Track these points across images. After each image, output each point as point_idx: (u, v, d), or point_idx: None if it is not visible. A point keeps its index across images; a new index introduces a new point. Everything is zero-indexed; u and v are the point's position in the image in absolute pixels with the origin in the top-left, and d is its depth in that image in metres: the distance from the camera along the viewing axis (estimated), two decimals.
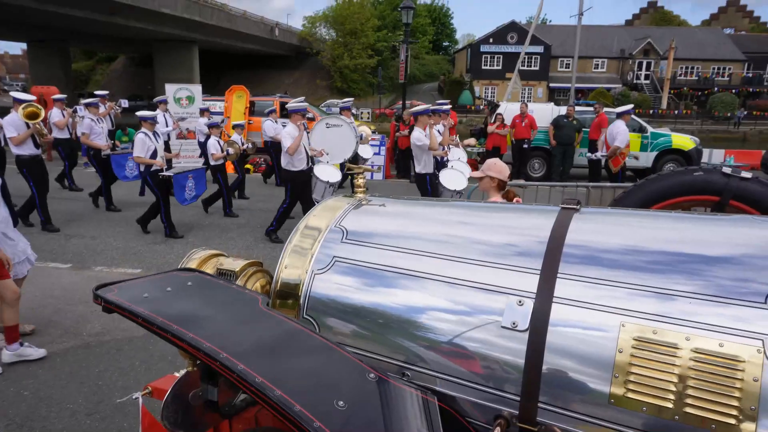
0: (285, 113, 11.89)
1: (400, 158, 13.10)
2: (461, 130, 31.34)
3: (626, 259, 1.44)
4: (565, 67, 45.14)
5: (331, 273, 1.73)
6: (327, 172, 7.31)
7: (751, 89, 45.19)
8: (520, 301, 1.42)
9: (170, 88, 14.50)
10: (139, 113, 7.46)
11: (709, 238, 1.47)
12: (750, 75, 46.05)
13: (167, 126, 10.64)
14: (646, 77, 46.44)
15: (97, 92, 12.34)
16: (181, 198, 7.71)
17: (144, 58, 48.61)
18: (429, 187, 7.10)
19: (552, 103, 15.81)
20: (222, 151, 8.66)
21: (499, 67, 46.27)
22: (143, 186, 7.71)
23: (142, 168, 7.29)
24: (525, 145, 12.86)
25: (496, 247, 1.62)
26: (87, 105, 9.21)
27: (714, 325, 1.23)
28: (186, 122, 12.72)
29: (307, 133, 7.31)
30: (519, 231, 1.69)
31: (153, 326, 1.39)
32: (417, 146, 7.11)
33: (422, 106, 7.92)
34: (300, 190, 7.12)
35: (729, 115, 38.89)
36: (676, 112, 40.25)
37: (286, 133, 6.96)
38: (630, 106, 9.84)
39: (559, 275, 1.42)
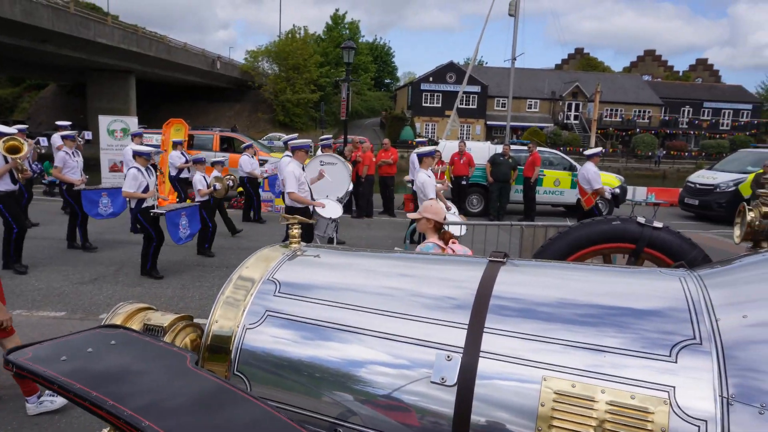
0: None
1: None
2: (403, 165, 31.88)
3: (548, 312, 1.51)
4: (501, 106, 47.19)
5: (264, 327, 1.71)
6: (329, 208, 7.25)
7: (668, 131, 48.87)
8: (448, 356, 1.46)
9: (104, 120, 14.04)
10: (133, 147, 7.32)
11: (621, 292, 1.58)
12: (667, 118, 49.84)
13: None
14: (576, 117, 49.26)
15: (59, 123, 11.52)
16: (176, 237, 7.34)
17: (76, 87, 46.85)
18: None
19: (489, 142, 16.45)
20: (208, 187, 8.36)
21: (439, 105, 47.81)
22: (134, 223, 7.28)
23: (132, 204, 6.99)
24: (463, 182, 13.27)
25: (427, 300, 1.66)
26: (64, 138, 8.63)
27: (626, 378, 1.30)
28: (114, 154, 12.39)
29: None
30: (449, 284, 1.74)
31: (70, 393, 1.32)
32: (423, 188, 7.07)
33: (427, 148, 8.13)
34: (306, 226, 6.95)
35: (650, 154, 41.75)
36: (603, 150, 42.68)
37: (290, 172, 6.75)
38: (599, 149, 10.45)
39: (485, 329, 1.47)
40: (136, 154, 7.15)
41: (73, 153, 8.37)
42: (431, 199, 7.19)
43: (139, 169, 6.98)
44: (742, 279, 1.56)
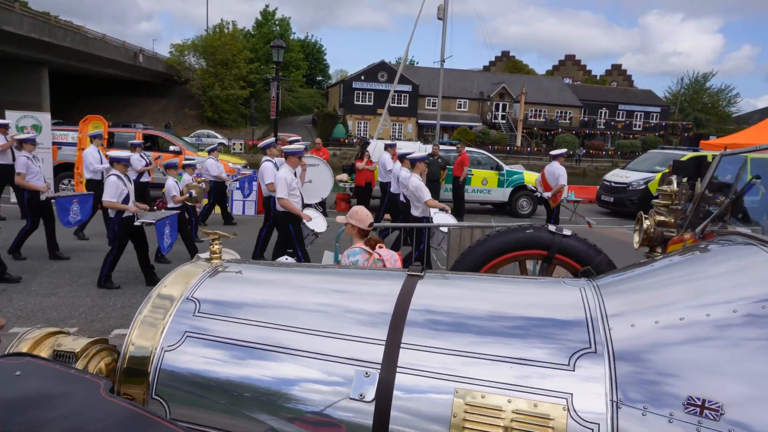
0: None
1: None
2: (335, 164, 31.76)
3: (460, 325, 1.59)
4: (432, 105, 48.09)
5: (183, 348, 1.69)
6: (315, 222, 6.98)
7: (587, 131, 51.64)
8: (366, 373, 1.50)
9: (12, 115, 13.05)
10: (111, 153, 6.85)
11: (527, 303, 1.69)
12: (586, 119, 52.67)
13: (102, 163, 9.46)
14: (503, 117, 51.04)
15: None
16: (164, 246, 7.04)
17: None
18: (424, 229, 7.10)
19: (419, 142, 16.73)
20: (182, 194, 7.92)
21: (371, 103, 48.05)
22: (112, 233, 6.82)
23: (112, 214, 6.60)
24: None
25: (347, 316, 1.70)
26: (23, 141, 7.97)
27: (530, 387, 1.40)
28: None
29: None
30: (368, 299, 1.79)
31: None
32: (417, 192, 7.22)
33: (418, 153, 8.35)
34: (300, 231, 6.76)
35: (571, 153, 43.91)
36: (528, 149, 44.64)
37: (281, 177, 6.58)
38: (563, 150, 11.03)
39: (402, 345, 1.53)
40: (114, 161, 6.72)
41: (33, 157, 7.83)
42: (428, 202, 7.35)
43: (119, 176, 6.56)
44: (632, 288, 1.71)
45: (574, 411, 1.34)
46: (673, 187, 2.51)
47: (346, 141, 41.53)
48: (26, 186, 7.63)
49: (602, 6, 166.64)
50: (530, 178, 14.86)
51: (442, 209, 7.51)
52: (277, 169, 7.18)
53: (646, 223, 2.52)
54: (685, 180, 2.87)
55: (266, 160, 7.90)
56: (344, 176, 14.64)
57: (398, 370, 1.49)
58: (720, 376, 1.27)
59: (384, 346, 1.54)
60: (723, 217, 2.14)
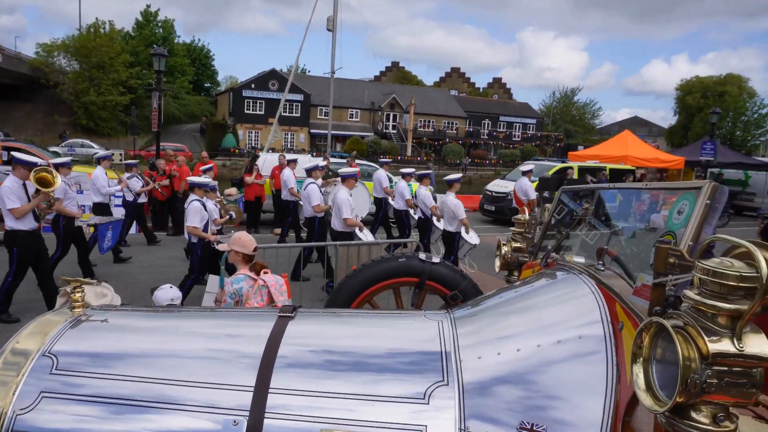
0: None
1: (158, 209, 12.28)
2: (226, 175, 30.65)
3: (326, 365, 1.68)
4: (324, 115, 48.19)
5: (38, 410, 1.60)
6: (366, 233, 7.76)
7: (472, 141, 54.60)
8: (235, 421, 1.53)
9: None
10: (192, 179, 7.12)
11: (388, 340, 1.81)
12: (471, 129, 55.69)
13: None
14: (394, 128, 52.42)
15: None
16: (103, 247, 7.89)
17: None
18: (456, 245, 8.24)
19: (309, 155, 16.71)
20: (222, 216, 7.82)
21: (262, 112, 47.12)
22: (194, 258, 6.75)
23: (194, 240, 6.61)
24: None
25: (215, 363, 1.71)
26: (59, 166, 7.32)
27: (390, 422, 1.51)
28: None
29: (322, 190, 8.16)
30: (239, 342, 1.82)
31: None
32: (455, 210, 8.00)
33: (455, 175, 9.12)
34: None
35: (458, 162, 46.22)
36: (418, 158, 46.22)
37: (345, 199, 7.24)
38: (531, 166, 11.62)
39: (270, 390, 1.58)
40: (194, 186, 6.92)
41: (70, 183, 7.42)
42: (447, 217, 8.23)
43: (201, 202, 6.68)
44: (482, 320, 1.90)
45: None
46: (525, 216, 2.81)
47: (237, 151, 40.33)
48: (65, 212, 7.13)
49: (484, 21, 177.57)
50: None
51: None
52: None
53: (504, 249, 2.79)
54: (546, 194, 3.20)
55: (311, 183, 8.52)
56: (233, 190, 14.22)
57: (266, 415, 1.54)
58: (545, 402, 1.46)
59: (252, 393, 1.58)
60: (562, 245, 2.44)
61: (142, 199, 10.69)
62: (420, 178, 8.80)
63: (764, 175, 21.67)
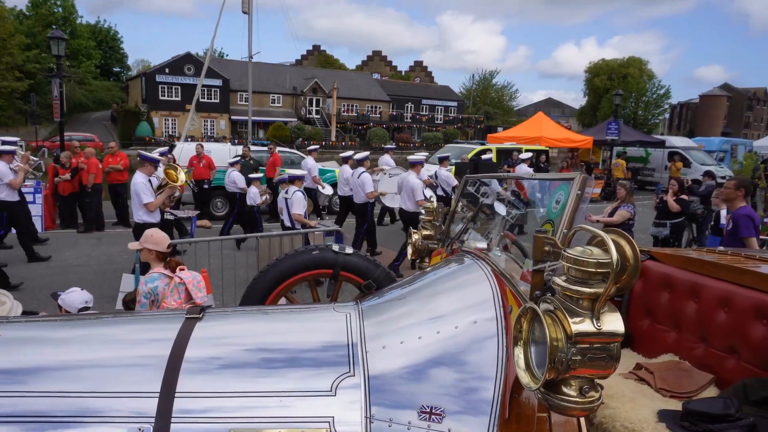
0: None
1: (63, 206, 11.51)
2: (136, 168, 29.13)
3: (234, 364, 1.69)
4: (245, 101, 46.76)
5: None
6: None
7: (396, 125, 55.01)
8: (140, 429, 1.52)
9: None
10: (291, 172, 8.03)
11: (297, 334, 1.85)
12: (394, 113, 56.06)
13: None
14: (317, 113, 51.80)
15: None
16: None
17: None
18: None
19: (229, 144, 16.24)
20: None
21: (178, 98, 45.03)
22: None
23: (299, 226, 7.26)
24: (205, 185, 12.91)
25: (119, 371, 1.68)
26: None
27: (298, 416, 1.55)
28: None
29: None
30: (143, 348, 1.79)
31: None
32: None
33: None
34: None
35: (383, 146, 46.48)
36: (343, 143, 46.00)
37: (418, 183, 8.08)
38: (529, 155, 12.15)
39: (177, 394, 1.58)
40: (294, 178, 7.67)
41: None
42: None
43: (303, 192, 7.61)
44: (387, 310, 1.98)
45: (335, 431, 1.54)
46: (433, 204, 2.92)
47: (153, 140, 38.35)
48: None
49: (404, 3, 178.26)
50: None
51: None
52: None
53: (414, 237, 2.89)
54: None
55: (363, 172, 8.99)
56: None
57: (173, 420, 1.53)
58: (444, 385, 1.56)
59: (158, 398, 1.57)
60: (467, 230, 2.58)
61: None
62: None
63: (662, 152, 23.48)
